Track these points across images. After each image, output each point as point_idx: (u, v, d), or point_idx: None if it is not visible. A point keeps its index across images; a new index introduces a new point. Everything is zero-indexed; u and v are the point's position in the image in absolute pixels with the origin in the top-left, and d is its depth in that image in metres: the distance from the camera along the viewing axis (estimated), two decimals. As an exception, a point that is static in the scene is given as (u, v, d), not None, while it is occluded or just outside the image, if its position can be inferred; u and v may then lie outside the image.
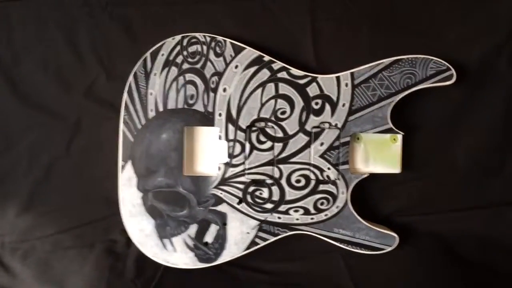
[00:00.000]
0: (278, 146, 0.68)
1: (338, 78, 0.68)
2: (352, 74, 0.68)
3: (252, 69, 0.68)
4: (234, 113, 0.68)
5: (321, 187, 0.69)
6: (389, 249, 0.69)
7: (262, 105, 0.68)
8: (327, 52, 0.73)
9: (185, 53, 0.68)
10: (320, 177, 0.68)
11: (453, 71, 0.66)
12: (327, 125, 0.68)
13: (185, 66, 0.69)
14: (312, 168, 0.68)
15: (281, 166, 0.69)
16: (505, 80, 0.72)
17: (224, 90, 0.68)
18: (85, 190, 0.76)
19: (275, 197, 0.69)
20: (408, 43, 0.72)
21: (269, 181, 0.69)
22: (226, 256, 0.70)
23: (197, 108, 0.69)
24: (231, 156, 0.69)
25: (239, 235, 0.70)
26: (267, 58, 0.68)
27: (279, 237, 0.70)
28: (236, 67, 0.68)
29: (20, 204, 0.76)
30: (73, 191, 0.76)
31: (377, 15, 0.72)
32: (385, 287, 0.75)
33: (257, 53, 0.68)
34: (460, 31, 0.72)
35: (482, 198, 0.74)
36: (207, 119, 0.69)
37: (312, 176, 0.68)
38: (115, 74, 0.74)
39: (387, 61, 0.67)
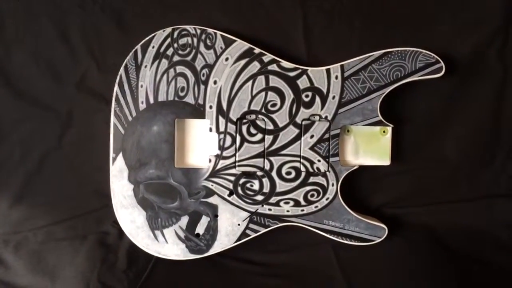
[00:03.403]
0: (269, 138, 0.69)
1: (328, 70, 0.68)
2: (342, 66, 0.68)
3: (243, 62, 0.68)
4: (224, 105, 0.69)
5: (311, 179, 0.69)
6: (379, 240, 0.70)
7: (253, 97, 0.68)
8: (318, 45, 0.73)
9: (175, 45, 0.69)
10: (310, 169, 0.69)
11: (442, 64, 0.66)
12: (317, 118, 0.69)
13: (176, 58, 0.69)
14: (302, 160, 0.69)
15: (271, 158, 0.69)
16: (494, 73, 0.72)
17: (215, 82, 0.68)
18: (77, 182, 0.76)
19: (266, 189, 0.69)
20: (398, 36, 0.72)
21: (259, 173, 0.69)
22: (217, 247, 0.70)
23: (188, 100, 0.69)
24: (221, 148, 0.69)
25: (230, 226, 0.70)
26: (257, 50, 0.68)
27: (270, 228, 0.70)
28: (227, 59, 0.68)
29: (13, 196, 0.77)
30: (65, 183, 0.76)
31: (368, 8, 0.73)
32: (375, 278, 0.76)
33: (247, 45, 0.68)
34: (450, 24, 0.72)
35: (471, 191, 0.75)
36: (198, 112, 0.69)
37: (303, 168, 0.69)
38: (106, 66, 0.74)
39: (376, 53, 0.67)
